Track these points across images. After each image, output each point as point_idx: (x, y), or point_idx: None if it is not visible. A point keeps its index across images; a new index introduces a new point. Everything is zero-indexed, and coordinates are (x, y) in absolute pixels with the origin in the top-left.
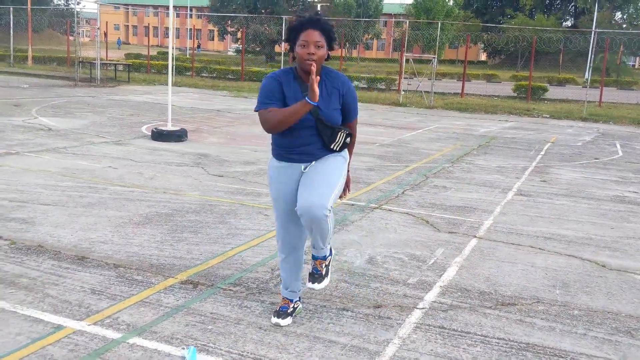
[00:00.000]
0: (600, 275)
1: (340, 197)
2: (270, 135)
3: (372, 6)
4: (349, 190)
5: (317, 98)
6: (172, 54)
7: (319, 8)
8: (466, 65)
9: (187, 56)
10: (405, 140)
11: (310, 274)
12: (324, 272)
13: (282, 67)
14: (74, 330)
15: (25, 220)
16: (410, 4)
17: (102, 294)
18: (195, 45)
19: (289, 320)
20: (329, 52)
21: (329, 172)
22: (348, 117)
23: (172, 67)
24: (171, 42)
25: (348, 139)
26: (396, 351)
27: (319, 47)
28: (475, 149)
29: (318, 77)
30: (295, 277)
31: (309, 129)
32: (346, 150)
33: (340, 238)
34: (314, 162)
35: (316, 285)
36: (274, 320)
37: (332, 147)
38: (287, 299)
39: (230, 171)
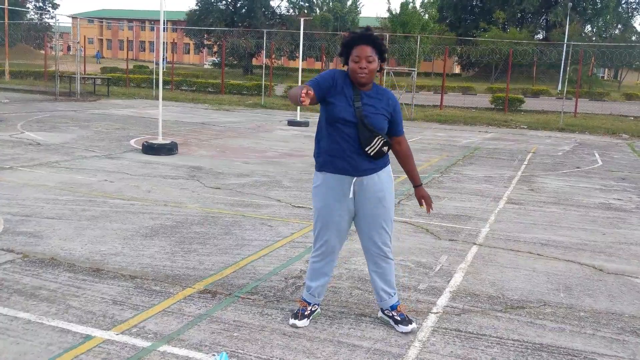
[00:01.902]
0: (599, 279)
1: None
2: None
3: (349, 20)
4: (431, 208)
5: (303, 97)
6: (162, 68)
7: (301, 21)
8: (445, 78)
9: (165, 69)
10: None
11: (400, 320)
12: (407, 316)
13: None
14: (103, 339)
15: (32, 234)
16: (386, 18)
17: (124, 304)
18: (161, 58)
19: (305, 322)
20: (381, 64)
21: (386, 217)
22: (396, 131)
23: (161, 81)
24: (161, 56)
25: (385, 148)
26: (418, 353)
27: (370, 61)
28: (461, 160)
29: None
30: (322, 281)
31: (350, 130)
32: (390, 169)
33: (347, 247)
34: (364, 181)
35: (410, 327)
36: (291, 321)
37: (367, 150)
38: (306, 301)
39: (227, 183)
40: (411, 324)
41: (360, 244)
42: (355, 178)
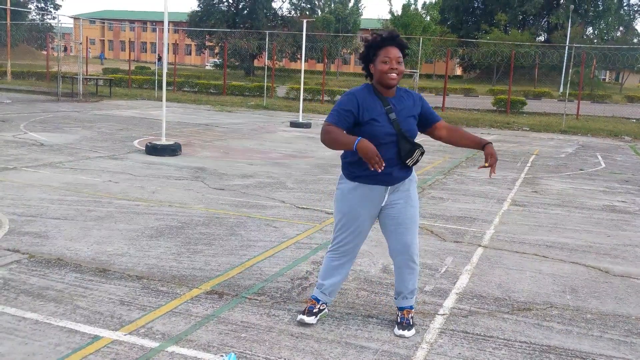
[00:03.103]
0: (605, 281)
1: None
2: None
3: (350, 21)
4: (494, 172)
5: (377, 166)
6: (166, 69)
7: (304, 23)
8: (447, 80)
9: (167, 70)
10: None
11: (398, 323)
12: (412, 322)
13: (360, 85)
14: (111, 340)
15: (38, 234)
16: (388, 20)
17: (131, 304)
18: (157, 59)
19: (313, 319)
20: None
21: (413, 225)
22: (433, 119)
23: (165, 82)
24: (165, 57)
25: (421, 157)
26: (426, 355)
27: (399, 62)
28: (464, 161)
29: (380, 164)
30: (336, 279)
31: (390, 144)
32: (415, 174)
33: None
34: (395, 192)
35: (406, 333)
36: (300, 317)
37: (407, 162)
38: (316, 299)
39: (231, 184)
40: (408, 330)
41: (388, 247)
42: (389, 187)
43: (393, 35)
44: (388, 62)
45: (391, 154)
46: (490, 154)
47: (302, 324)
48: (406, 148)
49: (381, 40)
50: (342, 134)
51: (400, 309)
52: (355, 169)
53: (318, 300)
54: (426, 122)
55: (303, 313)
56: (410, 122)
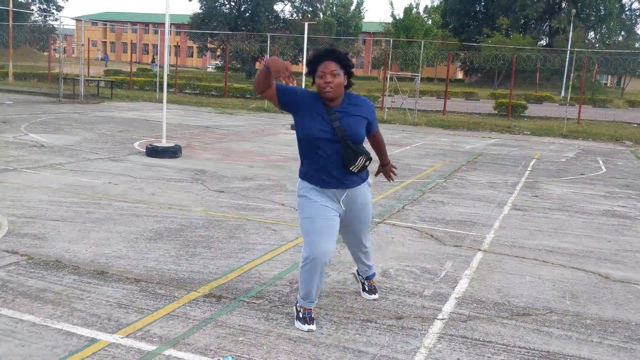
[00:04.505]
0: (605, 286)
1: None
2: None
3: (352, 25)
4: (394, 175)
5: (287, 79)
6: (167, 71)
7: (305, 26)
8: (448, 84)
9: (169, 73)
10: (395, 156)
11: (368, 290)
12: (375, 287)
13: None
14: (108, 343)
15: (37, 236)
16: (390, 23)
17: (129, 307)
18: (150, 60)
19: (315, 325)
20: (350, 79)
21: (366, 221)
22: (371, 130)
23: (166, 84)
24: (167, 59)
25: (367, 163)
26: None
27: (334, 75)
28: (465, 165)
29: (290, 79)
30: (318, 286)
31: (332, 149)
32: (370, 178)
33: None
34: (352, 192)
35: (373, 296)
36: (307, 327)
37: (351, 168)
38: (308, 308)
39: (231, 187)
40: (374, 293)
41: (345, 241)
42: (345, 191)
43: (327, 50)
44: (323, 77)
45: (336, 160)
46: (387, 172)
47: (311, 332)
48: (350, 155)
49: (315, 56)
50: (259, 71)
51: (368, 277)
52: (308, 174)
53: (311, 307)
54: (367, 132)
55: (308, 322)
56: (354, 128)
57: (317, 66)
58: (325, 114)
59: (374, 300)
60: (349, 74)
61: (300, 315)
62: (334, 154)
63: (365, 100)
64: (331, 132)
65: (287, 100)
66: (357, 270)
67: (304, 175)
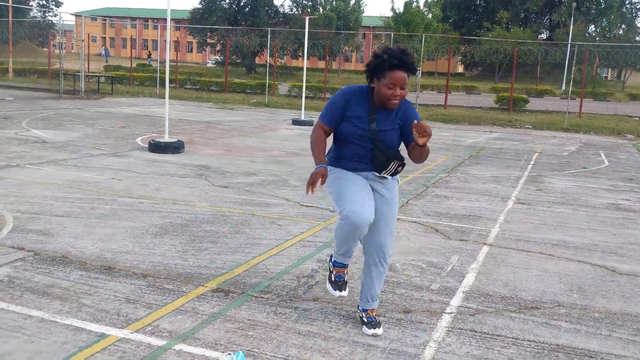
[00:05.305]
0: (612, 279)
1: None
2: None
3: (352, 19)
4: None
5: (309, 190)
6: (168, 66)
7: (306, 20)
8: (449, 78)
9: (154, 67)
10: None
11: (367, 323)
12: (375, 319)
13: (357, 85)
14: (118, 338)
15: (42, 231)
16: (390, 17)
17: (137, 302)
18: (147, 55)
19: (347, 291)
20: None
21: (391, 219)
22: (409, 139)
23: (167, 80)
24: (167, 55)
25: (400, 168)
26: (434, 354)
27: (403, 87)
28: (467, 159)
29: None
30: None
31: (364, 148)
32: (398, 179)
33: (357, 246)
34: (380, 184)
35: (378, 331)
36: (338, 293)
37: (382, 173)
38: (344, 266)
39: (234, 182)
40: (376, 328)
41: (364, 250)
42: (374, 173)
43: (404, 61)
44: (392, 88)
45: (366, 155)
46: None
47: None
48: (381, 160)
49: (390, 64)
50: (319, 151)
51: (364, 309)
52: (340, 161)
53: (345, 265)
54: (405, 140)
55: (341, 288)
56: (390, 135)
57: (386, 72)
58: (366, 113)
59: (376, 336)
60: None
61: (333, 278)
62: (366, 154)
63: (408, 106)
64: (365, 136)
65: (338, 125)
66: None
67: (334, 161)
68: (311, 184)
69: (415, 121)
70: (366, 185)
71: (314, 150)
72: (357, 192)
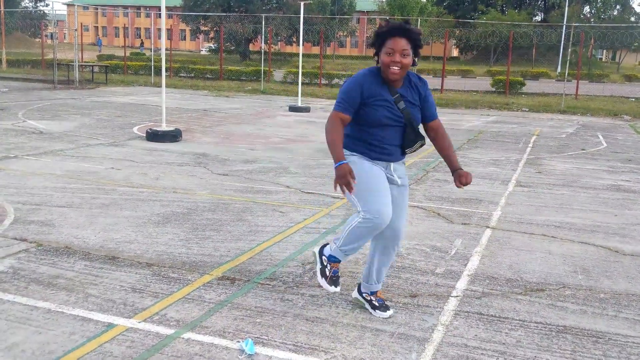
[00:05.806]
0: (616, 260)
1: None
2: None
3: (346, 4)
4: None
5: (344, 191)
6: (164, 55)
7: (301, 5)
8: (445, 62)
9: (146, 56)
10: None
11: (380, 306)
12: (385, 302)
13: (368, 67)
14: (126, 327)
15: (44, 222)
16: (384, 1)
17: (143, 292)
18: (139, 44)
19: (339, 287)
20: (415, 59)
21: (405, 206)
22: (430, 115)
23: (164, 68)
24: (163, 43)
25: (420, 146)
26: (443, 337)
27: (405, 55)
28: (466, 143)
29: (351, 189)
30: (360, 244)
31: (396, 128)
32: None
33: None
34: (392, 166)
35: (392, 312)
36: (333, 289)
37: (407, 150)
38: (339, 261)
39: (234, 170)
40: (389, 310)
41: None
42: (389, 164)
43: (401, 25)
44: (391, 54)
45: (394, 139)
46: (461, 175)
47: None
48: (411, 137)
49: (388, 30)
50: (337, 145)
51: (372, 292)
52: (357, 147)
53: (339, 261)
54: (423, 116)
55: (332, 283)
56: (415, 111)
57: (385, 40)
58: (391, 100)
59: (389, 317)
60: (416, 55)
61: (327, 273)
62: (395, 135)
63: (421, 82)
64: (398, 117)
65: (355, 110)
66: (358, 290)
67: (353, 147)
68: (345, 185)
69: (463, 172)
70: (386, 180)
71: (333, 145)
72: (383, 190)
